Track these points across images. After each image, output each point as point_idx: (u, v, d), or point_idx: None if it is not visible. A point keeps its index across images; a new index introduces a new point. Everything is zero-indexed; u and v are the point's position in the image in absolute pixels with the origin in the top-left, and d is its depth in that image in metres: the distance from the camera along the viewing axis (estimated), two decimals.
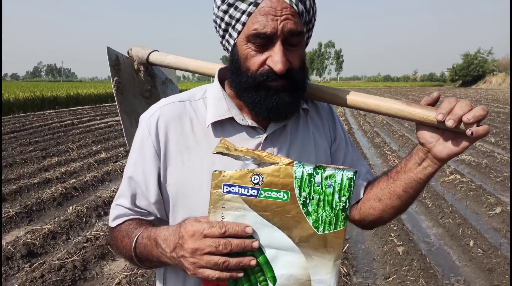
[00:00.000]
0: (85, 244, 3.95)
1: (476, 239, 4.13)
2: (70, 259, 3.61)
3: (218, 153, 0.79)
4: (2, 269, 3.51)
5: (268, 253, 0.79)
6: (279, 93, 0.91)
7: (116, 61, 1.40)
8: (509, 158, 7.80)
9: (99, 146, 8.96)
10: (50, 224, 4.38)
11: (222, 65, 1.24)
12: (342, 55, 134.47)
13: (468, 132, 0.82)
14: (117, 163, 7.36)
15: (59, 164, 7.33)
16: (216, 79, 1.05)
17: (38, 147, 8.74)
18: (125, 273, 3.43)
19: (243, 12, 0.86)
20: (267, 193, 0.75)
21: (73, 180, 6.08)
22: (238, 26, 0.88)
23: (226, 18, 0.90)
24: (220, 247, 0.76)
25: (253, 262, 0.79)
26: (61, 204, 5.22)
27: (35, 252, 3.88)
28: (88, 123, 13.44)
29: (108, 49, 1.38)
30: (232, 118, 0.97)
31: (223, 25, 0.92)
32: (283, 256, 0.80)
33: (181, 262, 0.80)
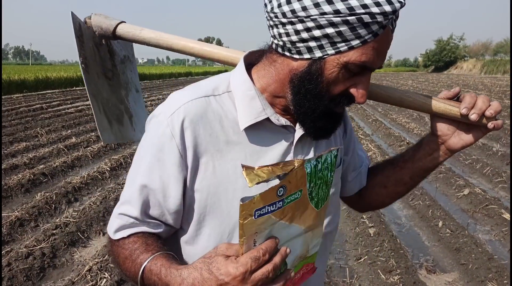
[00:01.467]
0: (54, 231, 3.85)
1: (445, 220, 4.25)
2: (39, 247, 3.52)
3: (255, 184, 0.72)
4: None
5: (283, 247, 0.78)
6: (339, 118, 0.89)
7: (80, 32, 1.15)
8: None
9: (69, 131, 8.72)
10: (18, 211, 4.24)
11: (239, 51, 1.07)
12: None
13: (490, 125, 0.87)
14: (88, 148, 7.18)
15: (27, 149, 7.09)
16: (243, 70, 0.90)
17: (5, 132, 8.41)
18: (96, 259, 3.37)
19: (360, 38, 0.75)
20: (288, 199, 0.74)
21: (41, 166, 5.90)
22: (343, 47, 0.76)
23: (330, 30, 0.74)
24: (270, 275, 0.70)
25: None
26: (29, 191, 5.06)
27: (1, 240, 3.75)
28: (58, 108, 13.04)
29: (73, 15, 1.14)
30: (267, 118, 0.87)
31: (316, 32, 0.75)
32: (292, 243, 0.80)
33: None
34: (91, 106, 1.15)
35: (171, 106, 0.86)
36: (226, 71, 1.03)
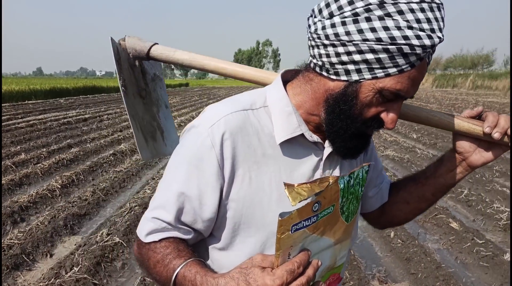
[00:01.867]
0: None
1: (397, 230, 4.38)
2: None
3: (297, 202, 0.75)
4: None
5: (314, 260, 0.81)
6: (368, 140, 0.93)
7: (118, 55, 1.19)
8: (428, 154, 8.39)
9: (18, 147, 8.31)
10: None
11: (273, 73, 1.12)
12: (279, 54, 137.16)
13: (497, 135, 0.92)
14: (38, 165, 6.87)
15: None
16: (281, 87, 0.94)
17: None
18: (41, 283, 3.20)
19: (397, 66, 0.78)
20: (322, 214, 0.77)
21: None
22: (380, 73, 0.79)
23: (369, 56, 0.78)
24: None
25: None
26: None
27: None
28: (7, 122, 12.42)
29: (112, 40, 1.18)
30: (301, 134, 0.92)
31: (356, 56, 0.79)
32: (322, 255, 0.85)
33: None
34: (131, 126, 1.20)
35: (212, 118, 0.88)
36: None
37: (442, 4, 0.79)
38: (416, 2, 0.76)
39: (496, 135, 0.91)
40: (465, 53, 49.95)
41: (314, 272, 0.75)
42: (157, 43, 1.24)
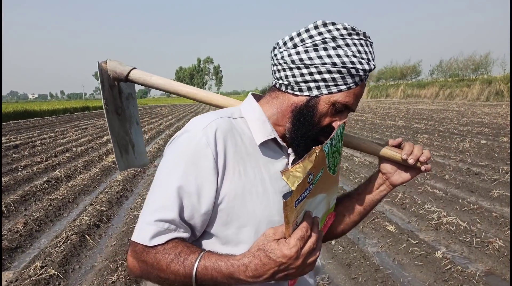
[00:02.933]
0: None
1: None
2: None
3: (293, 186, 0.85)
4: None
5: (315, 217, 0.98)
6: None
7: (103, 77, 1.33)
8: (365, 161, 8.78)
9: None
10: None
11: (235, 100, 1.31)
12: (221, 71, 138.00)
13: (423, 168, 1.17)
14: None
15: None
16: (255, 102, 1.15)
17: None
18: None
19: (346, 84, 1.03)
20: (315, 180, 0.91)
21: None
22: (334, 89, 1.03)
23: (327, 76, 1.02)
24: (314, 245, 0.91)
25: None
26: None
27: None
28: None
29: (99, 64, 1.33)
30: (274, 138, 1.11)
31: (317, 76, 1.02)
32: (319, 206, 1.02)
33: (287, 275, 0.90)
34: (111, 141, 1.33)
35: (203, 122, 1.04)
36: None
37: (372, 42, 1.08)
38: (357, 39, 1.03)
39: (410, 161, 1.15)
40: (394, 65, 53.22)
41: (317, 229, 0.93)
42: (135, 68, 1.38)
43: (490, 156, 8.75)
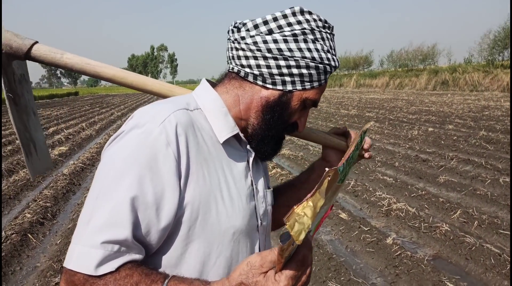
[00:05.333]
0: None
1: None
2: None
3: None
4: None
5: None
6: (282, 143, 1.05)
7: None
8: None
9: None
10: None
11: (175, 86, 1.14)
12: (176, 59, 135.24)
13: (366, 155, 1.19)
14: None
15: None
16: (212, 90, 1.00)
17: None
18: None
19: (319, 81, 0.96)
20: (323, 209, 0.77)
21: None
22: (308, 85, 0.95)
23: (304, 71, 0.92)
24: (306, 280, 0.77)
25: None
26: None
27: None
28: None
29: None
30: (236, 134, 0.98)
31: (294, 70, 0.92)
32: (321, 211, 0.82)
33: None
34: (20, 141, 1.07)
35: (158, 115, 0.85)
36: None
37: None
38: (329, 33, 0.96)
39: None
40: (348, 55, 54.54)
41: (311, 261, 0.79)
42: (38, 42, 1.08)
43: (437, 143, 9.14)
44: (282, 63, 0.91)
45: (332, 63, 0.95)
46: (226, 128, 0.95)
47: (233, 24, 0.97)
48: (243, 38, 0.93)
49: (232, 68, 0.98)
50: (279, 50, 0.91)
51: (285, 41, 0.91)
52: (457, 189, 5.75)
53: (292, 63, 0.91)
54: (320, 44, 0.93)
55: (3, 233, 4.45)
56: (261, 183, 1.05)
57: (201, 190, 0.86)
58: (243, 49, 0.94)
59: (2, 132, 13.00)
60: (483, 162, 7.04)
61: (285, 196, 1.26)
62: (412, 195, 5.55)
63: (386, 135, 10.73)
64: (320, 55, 0.92)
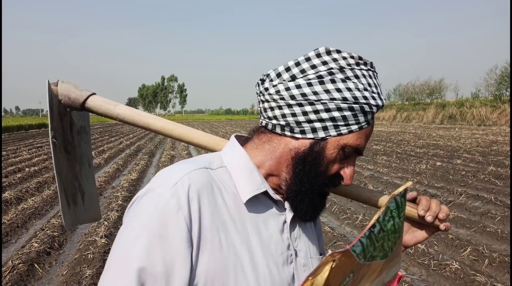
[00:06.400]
0: None
1: None
2: None
3: None
4: None
5: None
6: (326, 199, 0.94)
7: (52, 102, 1.04)
8: None
9: None
10: None
11: (223, 139, 1.09)
12: (186, 89, 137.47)
13: (442, 227, 0.97)
14: None
15: None
16: (239, 147, 0.93)
17: None
18: None
19: (358, 123, 0.85)
20: None
21: None
22: (344, 130, 0.84)
23: (336, 114, 0.83)
24: None
25: None
26: None
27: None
28: None
29: (49, 84, 1.03)
30: (265, 192, 0.89)
31: (323, 114, 0.83)
32: None
33: None
34: (58, 187, 1.03)
35: (172, 177, 0.80)
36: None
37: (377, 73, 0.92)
38: (365, 70, 0.86)
39: (429, 218, 0.96)
40: None
41: None
42: (95, 93, 1.12)
43: (445, 178, 9.08)
44: (308, 108, 0.83)
45: (372, 101, 0.84)
46: (251, 186, 0.87)
47: (260, 78, 0.93)
48: (266, 89, 0.88)
49: (261, 122, 0.93)
50: (303, 95, 0.83)
51: (309, 84, 0.83)
52: (467, 226, 5.67)
53: (320, 107, 0.83)
54: (353, 82, 0.83)
55: (9, 262, 4.46)
56: (304, 247, 0.94)
57: (217, 259, 0.78)
58: (267, 101, 0.88)
59: (12, 159, 13.17)
60: (492, 198, 6.96)
61: None
62: None
63: (394, 168, 10.69)
64: (354, 94, 0.83)
